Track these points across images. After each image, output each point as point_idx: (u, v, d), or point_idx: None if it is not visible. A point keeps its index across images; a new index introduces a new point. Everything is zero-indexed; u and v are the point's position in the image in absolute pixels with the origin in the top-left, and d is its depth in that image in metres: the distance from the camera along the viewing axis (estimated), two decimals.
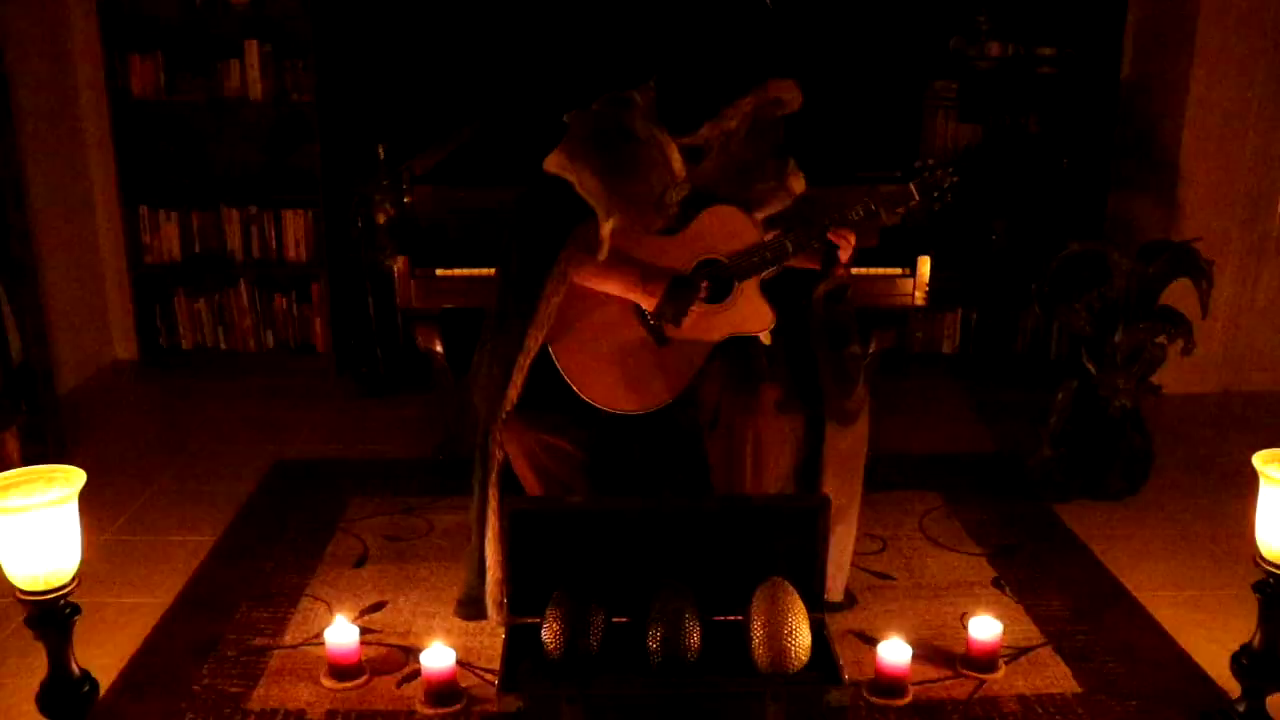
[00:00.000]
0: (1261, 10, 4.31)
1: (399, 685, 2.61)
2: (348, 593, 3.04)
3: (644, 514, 2.51)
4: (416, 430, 4.26)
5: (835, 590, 2.90)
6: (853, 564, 3.00)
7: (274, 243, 4.88)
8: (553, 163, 2.61)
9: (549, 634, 2.30)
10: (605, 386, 2.65)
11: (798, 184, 2.77)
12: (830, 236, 2.67)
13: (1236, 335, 4.71)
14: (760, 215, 2.74)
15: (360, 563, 3.21)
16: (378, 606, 2.96)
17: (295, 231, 4.86)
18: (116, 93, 4.66)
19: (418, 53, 4.64)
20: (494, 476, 2.67)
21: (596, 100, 2.73)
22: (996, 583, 3.12)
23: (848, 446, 2.81)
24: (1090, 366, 3.55)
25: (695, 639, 2.29)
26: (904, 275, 3.38)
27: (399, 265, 3.40)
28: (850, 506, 2.87)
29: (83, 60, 4.74)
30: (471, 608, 2.85)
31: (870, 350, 3.42)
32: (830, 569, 2.83)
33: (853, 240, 2.69)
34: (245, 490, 3.69)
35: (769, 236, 2.70)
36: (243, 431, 4.26)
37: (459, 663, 2.59)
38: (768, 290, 2.76)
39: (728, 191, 2.72)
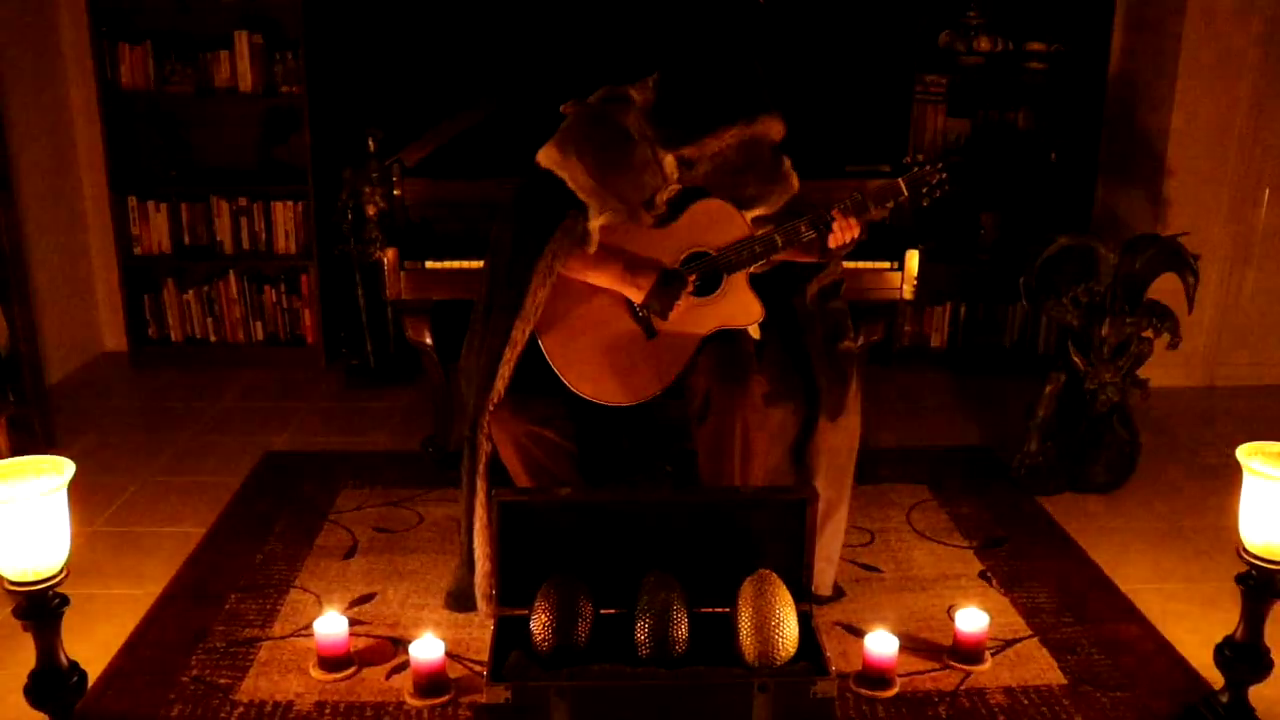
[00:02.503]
0: (1247, 7, 4.33)
1: (388, 676, 2.62)
2: (337, 584, 3.04)
3: (632, 505, 2.52)
4: (406, 422, 4.26)
5: (824, 584, 2.91)
6: (840, 557, 3.02)
7: (264, 234, 4.87)
8: (545, 156, 2.62)
9: (538, 625, 2.31)
10: (594, 378, 2.66)
11: (790, 185, 2.78)
12: (836, 213, 2.67)
13: (1222, 329, 4.74)
14: (751, 215, 2.74)
15: (350, 554, 3.22)
16: (367, 598, 2.97)
17: (285, 223, 4.85)
18: (105, 83, 4.64)
19: (409, 44, 4.64)
20: (482, 468, 2.67)
21: (594, 93, 2.73)
22: (983, 575, 3.13)
23: (840, 441, 2.82)
24: (1077, 360, 3.56)
25: (683, 630, 2.31)
26: (892, 269, 3.40)
27: (389, 257, 3.40)
28: (840, 501, 2.89)
29: (71, 50, 4.72)
30: (461, 600, 2.86)
31: (859, 344, 3.44)
32: (820, 563, 2.84)
33: (854, 229, 2.69)
34: (234, 482, 3.69)
35: (759, 231, 2.71)
36: (232, 423, 4.26)
37: (448, 654, 2.59)
38: (758, 285, 2.77)
39: (720, 192, 2.72)
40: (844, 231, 2.69)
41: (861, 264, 3.37)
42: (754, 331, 2.82)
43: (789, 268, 2.84)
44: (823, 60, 4.50)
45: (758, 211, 2.75)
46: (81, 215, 4.91)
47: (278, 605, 2.93)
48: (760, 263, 2.71)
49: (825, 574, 2.91)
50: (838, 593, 2.98)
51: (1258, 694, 2.37)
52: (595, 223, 2.57)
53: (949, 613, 2.87)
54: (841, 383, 2.81)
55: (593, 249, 2.59)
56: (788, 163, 2.79)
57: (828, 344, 2.85)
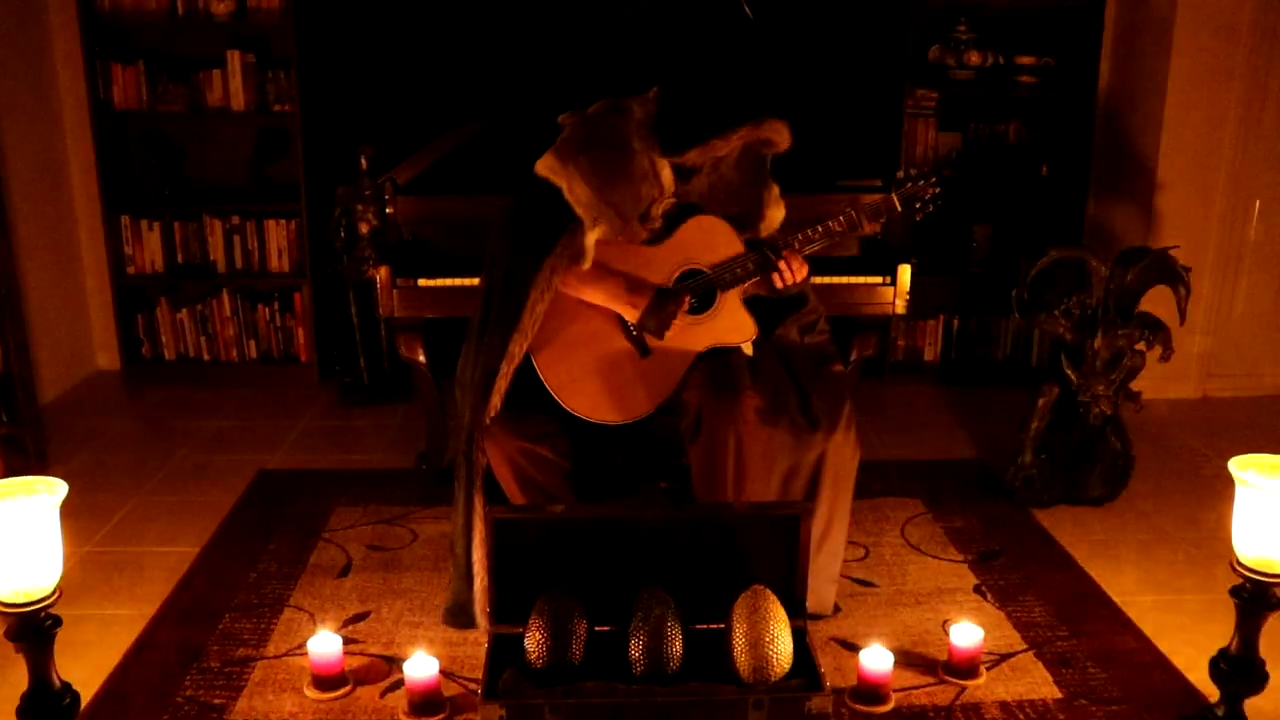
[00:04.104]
0: (1237, 19, 4.35)
1: (382, 695, 2.61)
2: (331, 603, 3.03)
3: (626, 522, 2.52)
4: (400, 440, 4.26)
5: (825, 604, 2.91)
6: None
7: (257, 253, 4.88)
8: (544, 165, 2.62)
9: (532, 643, 2.31)
10: (587, 396, 2.66)
11: (778, 213, 2.79)
12: (785, 254, 2.67)
13: (1214, 341, 4.75)
14: (743, 238, 2.75)
15: (344, 573, 3.21)
16: (361, 616, 2.96)
17: (278, 241, 4.85)
18: (98, 103, 4.65)
19: (401, 62, 4.65)
20: (479, 482, 2.67)
21: (594, 104, 2.74)
22: (978, 589, 3.13)
23: (838, 461, 2.81)
24: (1070, 373, 3.57)
25: (677, 647, 2.30)
26: (885, 283, 3.40)
27: (381, 275, 3.40)
28: (839, 520, 2.88)
29: (64, 70, 4.73)
30: (459, 615, 2.85)
31: (852, 359, 3.45)
32: (822, 583, 2.85)
33: (799, 271, 2.70)
34: (228, 501, 3.68)
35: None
36: (225, 442, 4.25)
37: (442, 672, 2.59)
38: (751, 303, 2.77)
39: (713, 211, 2.73)
40: (799, 270, 2.70)
41: (854, 279, 3.38)
42: (748, 349, 2.82)
43: (767, 307, 2.83)
44: (814, 75, 4.52)
45: (748, 235, 2.76)
46: (74, 235, 4.90)
47: (272, 624, 2.92)
48: (754, 280, 2.71)
49: (826, 593, 2.91)
50: (833, 608, 2.97)
51: (1253, 706, 2.36)
52: (590, 237, 2.58)
53: (944, 627, 2.87)
54: (836, 403, 2.81)
55: (587, 264, 2.59)
56: (777, 189, 2.80)
57: (817, 369, 2.86)
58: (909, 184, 2.80)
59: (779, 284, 2.69)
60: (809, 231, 2.71)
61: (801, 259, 2.70)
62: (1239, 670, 2.32)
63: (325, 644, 2.60)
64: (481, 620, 2.72)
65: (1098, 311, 3.53)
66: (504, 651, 2.38)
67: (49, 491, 2.10)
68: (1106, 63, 4.82)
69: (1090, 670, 2.73)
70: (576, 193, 2.58)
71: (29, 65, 4.58)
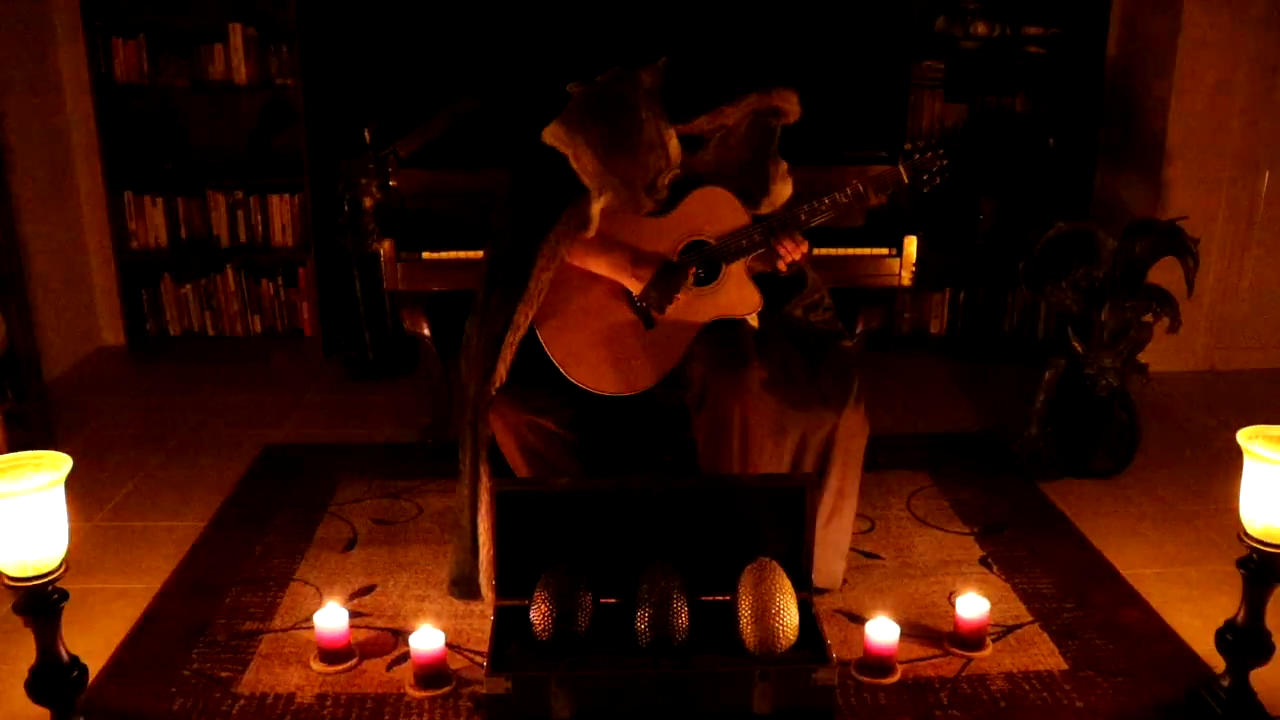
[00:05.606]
0: None
1: (389, 668, 2.61)
2: (337, 576, 3.04)
3: (632, 495, 2.52)
4: (405, 413, 4.26)
5: (834, 578, 2.90)
6: None
7: (260, 227, 4.87)
8: (551, 134, 2.61)
9: (537, 615, 2.31)
10: (592, 368, 2.66)
11: (785, 189, 2.77)
12: (782, 234, 2.66)
13: (1222, 313, 4.73)
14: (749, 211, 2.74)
15: (349, 546, 3.21)
16: (367, 590, 2.97)
17: (281, 216, 4.84)
18: (99, 77, 4.63)
19: (404, 34, 4.62)
20: (485, 453, 2.67)
21: (602, 74, 2.72)
22: (984, 561, 3.13)
23: (847, 435, 2.80)
24: (1077, 345, 3.56)
25: (683, 619, 2.31)
26: (891, 255, 3.38)
27: (385, 249, 3.39)
28: (849, 494, 2.88)
29: (65, 44, 4.70)
30: (465, 586, 2.85)
31: (858, 331, 3.43)
32: (831, 558, 2.84)
33: (798, 249, 2.69)
34: (234, 475, 3.68)
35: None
36: (231, 416, 4.25)
37: (448, 645, 2.60)
38: (757, 276, 2.76)
39: (720, 185, 2.71)
40: (800, 248, 2.69)
41: (860, 250, 3.36)
42: (753, 320, 2.81)
43: (770, 288, 2.81)
44: (820, 46, 4.49)
45: (754, 211, 2.74)
46: (78, 210, 4.89)
47: (278, 598, 2.93)
48: (759, 252, 2.70)
49: (836, 567, 2.90)
50: (842, 583, 2.97)
51: (1259, 677, 2.36)
52: (595, 206, 2.57)
53: (950, 599, 2.87)
54: (845, 378, 2.80)
55: (591, 232, 2.58)
56: (785, 166, 2.78)
57: (823, 345, 2.85)
58: (916, 155, 2.77)
59: (781, 265, 2.68)
60: (815, 203, 2.69)
61: (799, 238, 2.68)
62: (1245, 641, 2.32)
63: (331, 617, 2.61)
64: (487, 593, 2.72)
65: (1105, 283, 3.52)
66: (510, 624, 2.38)
67: (54, 466, 2.10)
68: (1115, 33, 4.78)
69: (1096, 642, 2.73)
70: (583, 161, 2.56)
71: (30, 39, 4.56)
